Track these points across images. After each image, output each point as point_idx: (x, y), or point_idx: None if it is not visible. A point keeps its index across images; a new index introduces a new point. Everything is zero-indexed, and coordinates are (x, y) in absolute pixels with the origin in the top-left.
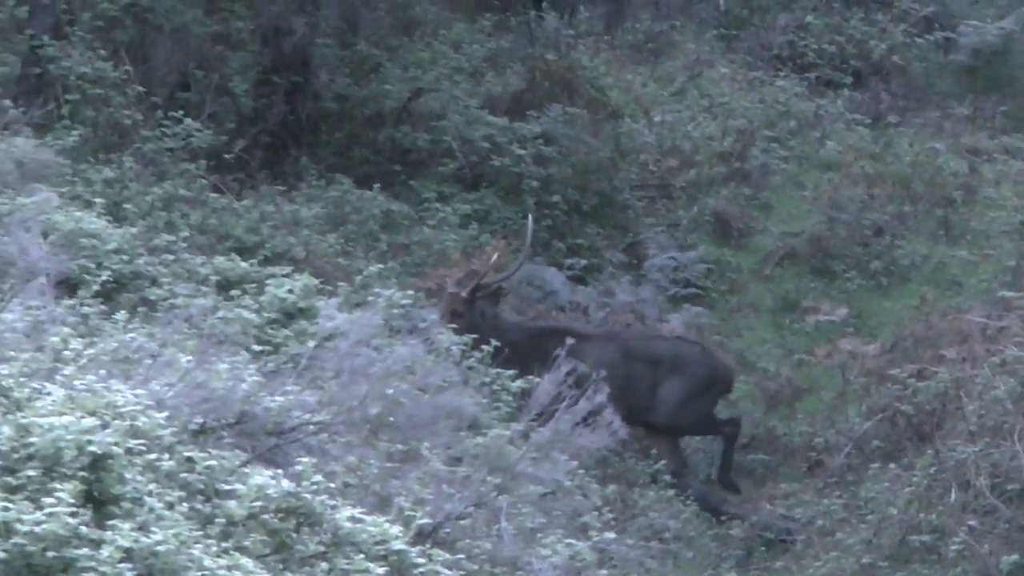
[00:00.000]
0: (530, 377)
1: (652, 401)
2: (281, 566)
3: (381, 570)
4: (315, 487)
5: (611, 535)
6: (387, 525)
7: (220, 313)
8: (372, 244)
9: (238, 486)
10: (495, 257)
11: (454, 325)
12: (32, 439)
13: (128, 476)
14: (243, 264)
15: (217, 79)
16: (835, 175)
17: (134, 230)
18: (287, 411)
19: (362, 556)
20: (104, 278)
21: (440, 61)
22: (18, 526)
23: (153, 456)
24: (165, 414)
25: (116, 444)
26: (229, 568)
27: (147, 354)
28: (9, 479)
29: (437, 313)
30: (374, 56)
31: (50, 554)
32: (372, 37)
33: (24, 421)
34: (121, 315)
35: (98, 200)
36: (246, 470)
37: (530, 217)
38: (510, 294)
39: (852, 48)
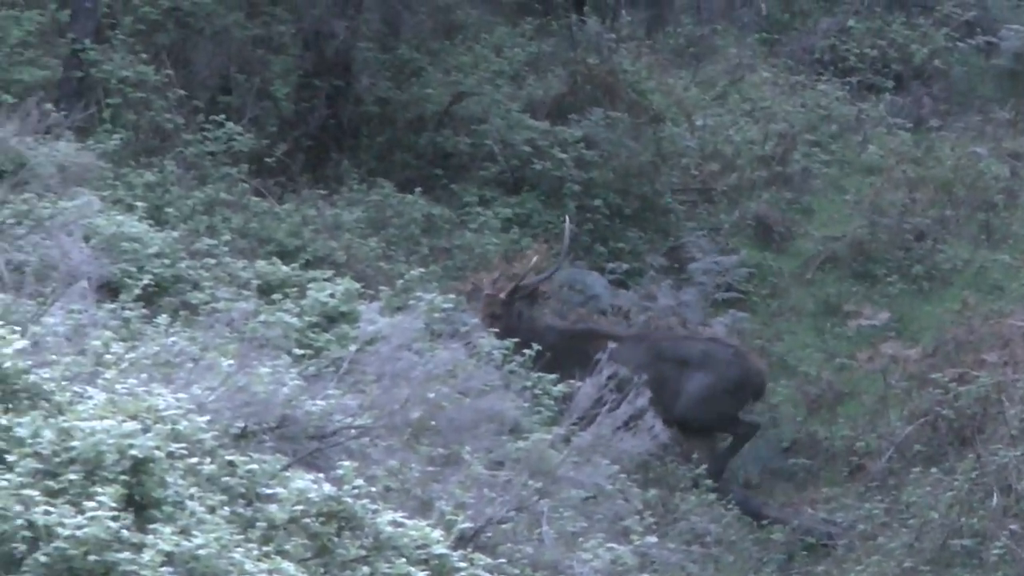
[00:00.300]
0: (571, 381)
1: (676, 398)
2: (322, 570)
3: (422, 574)
4: (356, 491)
5: (652, 539)
6: (428, 529)
7: (261, 317)
8: (413, 248)
9: (279, 490)
10: (535, 260)
11: (493, 327)
12: (74, 443)
13: (169, 480)
14: (284, 268)
15: (258, 83)
16: (876, 179)
17: (175, 234)
18: (328, 415)
19: (403, 560)
20: (145, 282)
21: (481, 65)
22: (59, 530)
23: (194, 460)
24: (206, 418)
25: (157, 448)
26: (270, 572)
27: (188, 358)
28: (51, 483)
29: (475, 315)
30: (415, 60)
31: (91, 558)
32: (413, 41)
33: (66, 425)
34: (162, 319)
35: (140, 204)
36: (287, 474)
37: (567, 219)
38: (551, 298)
39: (894, 52)
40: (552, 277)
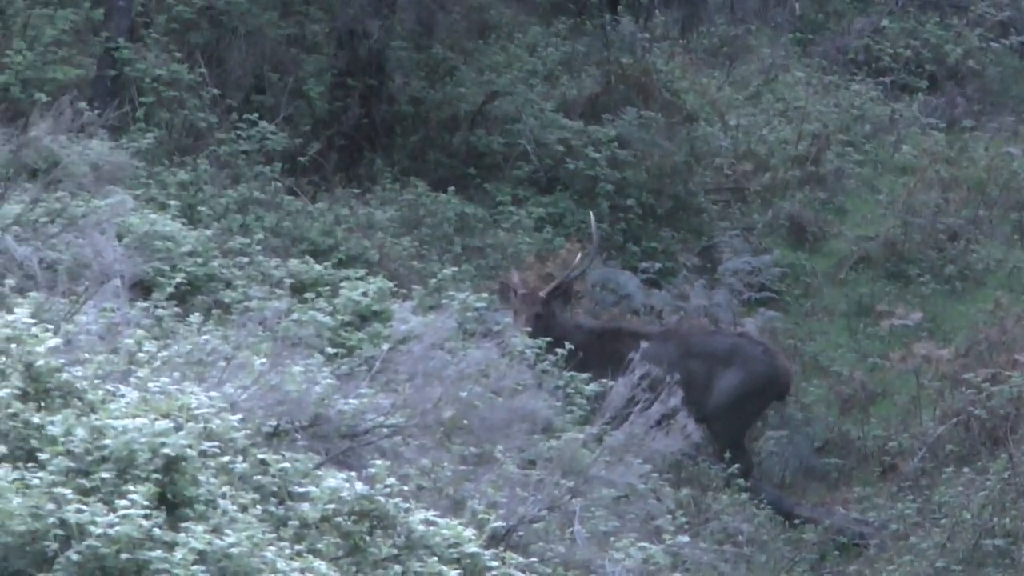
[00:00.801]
0: (604, 380)
1: (705, 394)
2: (354, 569)
3: (454, 573)
4: (388, 490)
5: (684, 539)
6: (460, 528)
7: (294, 316)
8: (446, 247)
9: (311, 488)
10: (579, 257)
11: (535, 325)
12: (106, 441)
13: (201, 478)
14: (317, 267)
15: (292, 82)
16: (910, 179)
17: (208, 232)
18: (361, 414)
19: (435, 559)
20: (178, 280)
21: (515, 64)
22: (92, 528)
23: (227, 458)
24: (239, 416)
25: (190, 446)
26: (302, 571)
27: (221, 356)
28: (83, 481)
29: (513, 314)
30: (449, 59)
31: (123, 556)
32: (447, 40)
33: (98, 423)
34: (195, 317)
35: (173, 202)
36: (319, 472)
37: (591, 214)
38: (584, 297)
39: (927, 52)
40: (585, 274)
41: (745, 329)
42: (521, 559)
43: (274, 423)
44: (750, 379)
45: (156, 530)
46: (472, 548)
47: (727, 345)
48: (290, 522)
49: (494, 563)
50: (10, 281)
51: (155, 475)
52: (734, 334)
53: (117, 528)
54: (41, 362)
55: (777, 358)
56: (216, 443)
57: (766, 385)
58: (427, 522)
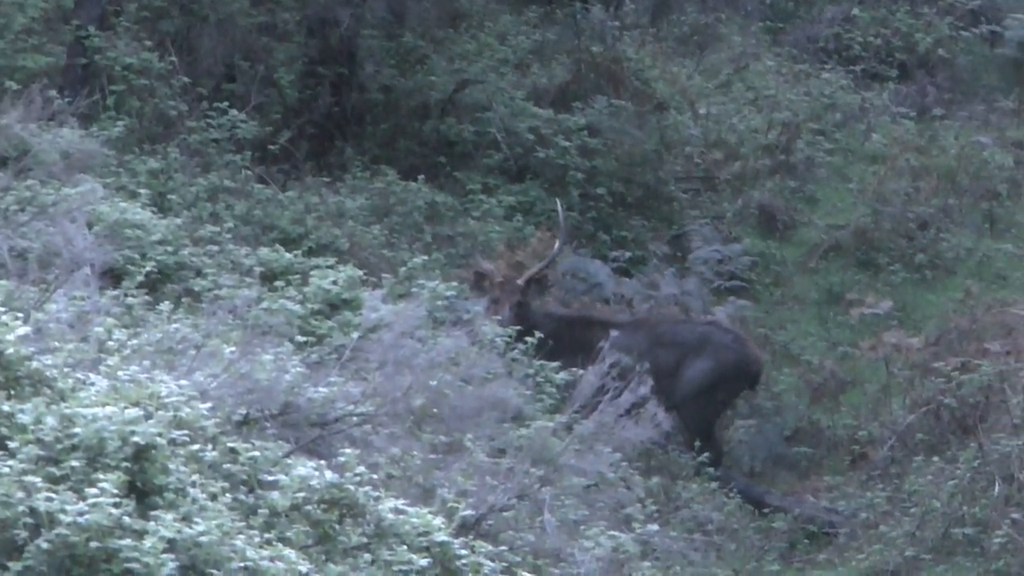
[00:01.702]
0: (574, 369)
1: (675, 383)
2: (324, 557)
3: (424, 562)
4: (358, 478)
5: (654, 527)
6: (430, 517)
7: (264, 304)
8: (416, 235)
9: (281, 477)
10: (556, 246)
11: (511, 315)
12: (76, 429)
13: (171, 467)
14: (287, 255)
15: (263, 70)
16: (880, 168)
17: (179, 221)
18: (331, 402)
19: (405, 548)
20: (148, 269)
21: (486, 53)
22: (61, 516)
23: (196, 447)
24: (209, 405)
25: (160, 435)
26: (272, 559)
27: (191, 345)
28: (53, 469)
29: (492, 302)
30: (420, 48)
31: (93, 544)
32: (418, 29)
33: (68, 411)
34: (165, 306)
35: (143, 191)
36: (289, 461)
37: (559, 202)
38: (554, 285)
39: (898, 41)
40: (556, 262)
41: (715, 318)
42: (491, 547)
43: (244, 411)
44: (720, 368)
45: (126, 518)
46: (442, 536)
47: (697, 334)
48: (260, 510)
49: (464, 551)
50: None
51: (125, 463)
52: (704, 323)
53: (87, 516)
54: (11, 350)
55: (747, 346)
56: (186, 431)
57: (736, 374)
58: (397, 511)
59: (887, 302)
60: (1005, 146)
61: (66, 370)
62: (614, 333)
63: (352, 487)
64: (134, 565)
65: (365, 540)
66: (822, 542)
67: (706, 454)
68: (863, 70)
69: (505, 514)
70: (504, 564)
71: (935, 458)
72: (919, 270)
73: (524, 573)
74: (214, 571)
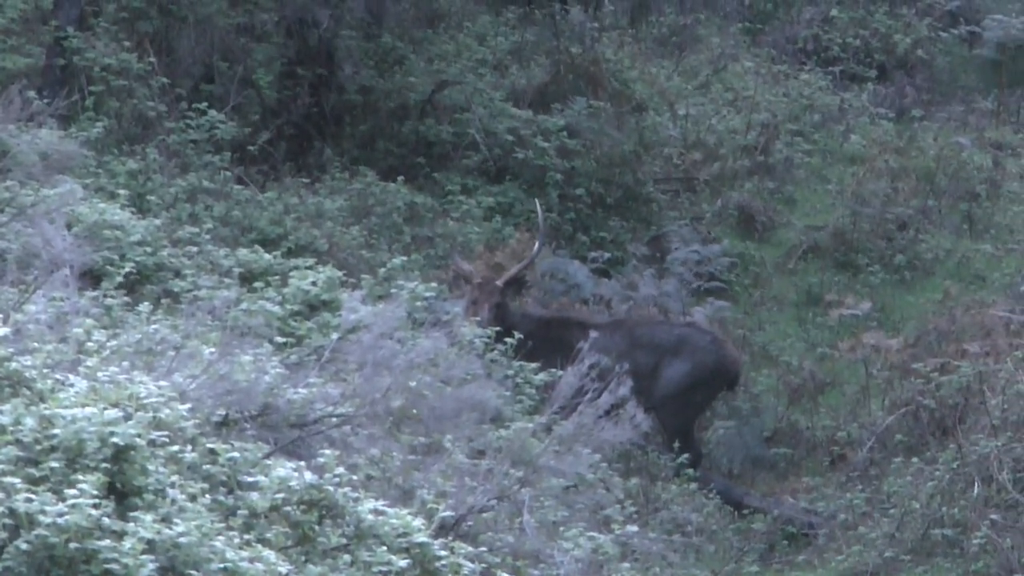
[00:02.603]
0: (553, 370)
1: (653, 384)
2: (303, 558)
3: (403, 563)
4: (338, 479)
5: (633, 528)
6: (410, 518)
7: (243, 305)
8: (396, 236)
9: (260, 478)
10: (535, 247)
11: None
12: (55, 430)
13: (151, 468)
14: (266, 256)
15: (241, 71)
16: (859, 169)
17: (158, 222)
18: (310, 403)
19: (384, 549)
20: (127, 270)
21: (464, 54)
22: (41, 517)
23: (176, 448)
24: (188, 406)
25: (139, 436)
26: (251, 560)
27: (170, 346)
28: (32, 470)
29: (472, 303)
30: (398, 48)
31: (72, 546)
32: (397, 30)
33: (47, 412)
34: (144, 307)
35: (122, 192)
36: (268, 462)
37: (538, 202)
38: (533, 286)
39: (877, 42)
40: (535, 263)
41: (693, 319)
42: (470, 549)
43: (223, 412)
44: (697, 369)
45: (105, 519)
46: (421, 538)
47: (674, 335)
48: (239, 511)
49: (443, 553)
50: None
51: (104, 464)
52: (682, 324)
53: (66, 518)
54: None
55: (725, 348)
56: (165, 432)
57: (713, 375)
58: (376, 512)
59: (866, 303)
60: (984, 147)
61: (45, 371)
62: (593, 334)
63: (331, 488)
64: (113, 566)
65: (344, 541)
66: (801, 543)
67: (685, 455)
68: (842, 71)
69: (484, 515)
70: (484, 565)
71: (914, 459)
72: (898, 271)
73: (503, 574)
74: (193, 572)
